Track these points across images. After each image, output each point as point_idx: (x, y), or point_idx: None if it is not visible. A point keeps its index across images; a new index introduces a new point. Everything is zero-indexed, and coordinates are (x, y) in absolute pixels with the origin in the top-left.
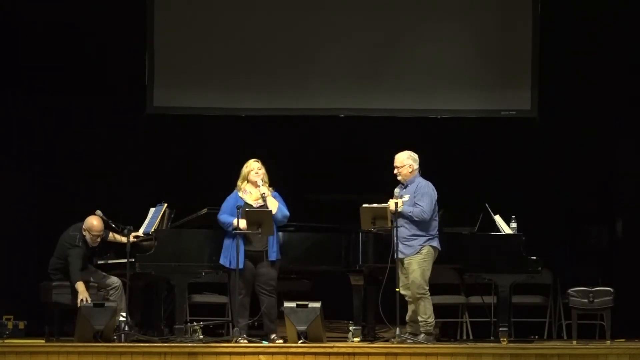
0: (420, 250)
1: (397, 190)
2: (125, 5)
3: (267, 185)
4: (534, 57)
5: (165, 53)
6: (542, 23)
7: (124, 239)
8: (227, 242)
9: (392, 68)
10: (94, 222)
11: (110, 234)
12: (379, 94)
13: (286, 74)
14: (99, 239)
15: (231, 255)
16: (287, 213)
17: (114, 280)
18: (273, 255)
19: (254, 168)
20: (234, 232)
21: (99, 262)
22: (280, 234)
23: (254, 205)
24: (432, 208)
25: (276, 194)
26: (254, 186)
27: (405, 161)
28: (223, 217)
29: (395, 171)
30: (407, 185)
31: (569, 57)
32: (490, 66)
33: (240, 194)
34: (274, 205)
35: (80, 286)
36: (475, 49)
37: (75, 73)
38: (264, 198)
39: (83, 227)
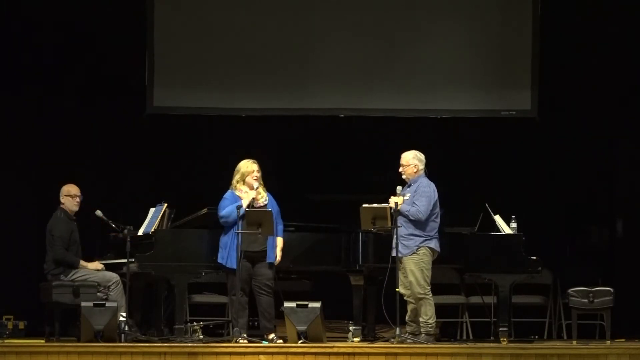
0: (417, 251)
1: (399, 188)
2: (125, 5)
3: (262, 186)
4: (534, 57)
5: (165, 53)
6: (542, 23)
7: None
8: (223, 240)
9: (392, 68)
10: (65, 187)
11: None
12: (379, 94)
13: (286, 74)
14: (78, 199)
15: (228, 255)
16: (282, 226)
17: (113, 276)
18: (272, 257)
19: (253, 170)
20: (235, 232)
21: (100, 263)
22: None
23: (254, 206)
24: (428, 209)
25: (270, 196)
26: (249, 188)
27: (411, 161)
28: (225, 211)
29: (401, 169)
30: (410, 185)
31: (569, 57)
32: (490, 66)
33: (237, 193)
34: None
35: (84, 264)
36: (475, 49)
37: (75, 73)
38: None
39: (61, 199)
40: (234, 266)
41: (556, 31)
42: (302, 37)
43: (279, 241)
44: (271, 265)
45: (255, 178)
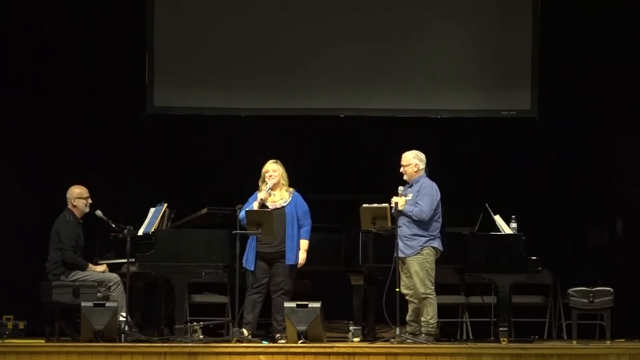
0: (420, 251)
1: (401, 188)
2: (126, 5)
3: (286, 185)
4: (534, 57)
5: (165, 53)
6: (542, 23)
7: None
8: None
9: (392, 68)
10: (76, 190)
11: None
12: (379, 94)
13: (286, 74)
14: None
15: (246, 256)
16: (309, 227)
17: (113, 276)
18: (291, 258)
19: (269, 170)
20: (232, 232)
21: (99, 263)
22: None
23: (270, 207)
24: (431, 209)
25: (297, 195)
26: (271, 188)
27: (411, 160)
28: (240, 214)
29: (401, 170)
30: (412, 185)
31: (569, 57)
32: (490, 66)
33: (259, 194)
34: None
35: (92, 267)
36: (475, 49)
37: (75, 73)
38: (263, 205)
39: (72, 201)
40: (248, 266)
41: (556, 31)
42: (303, 37)
43: (302, 243)
44: (288, 267)
45: (269, 177)
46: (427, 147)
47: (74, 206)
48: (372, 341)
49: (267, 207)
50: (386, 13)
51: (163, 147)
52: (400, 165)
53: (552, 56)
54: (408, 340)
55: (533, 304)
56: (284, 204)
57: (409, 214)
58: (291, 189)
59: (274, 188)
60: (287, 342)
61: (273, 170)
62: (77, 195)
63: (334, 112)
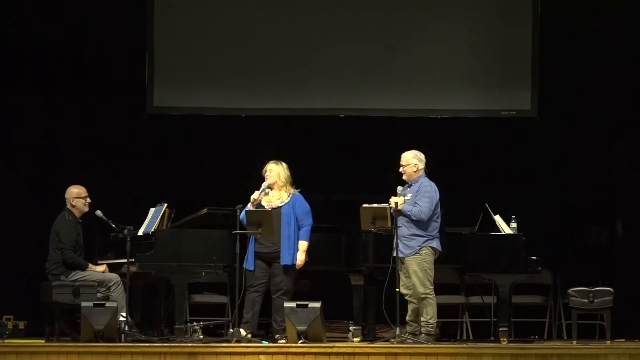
0: (419, 251)
1: (399, 188)
2: (125, 5)
3: (286, 186)
4: (534, 57)
5: (165, 53)
6: (542, 23)
7: None
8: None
9: (392, 68)
10: (74, 190)
11: None
12: (379, 94)
13: (286, 74)
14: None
15: (247, 256)
16: (308, 228)
17: (113, 276)
18: (287, 259)
19: (266, 170)
20: (232, 232)
21: (99, 263)
22: None
23: (266, 207)
24: (431, 209)
25: (298, 196)
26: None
27: (411, 160)
28: (241, 214)
29: (401, 169)
30: (411, 185)
31: (569, 57)
32: (490, 66)
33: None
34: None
35: (92, 267)
36: (475, 49)
37: (75, 73)
38: (256, 204)
39: (70, 201)
40: (247, 266)
41: (556, 31)
42: (302, 37)
43: (301, 244)
44: (285, 267)
45: (266, 178)
46: (427, 147)
47: (73, 206)
48: (372, 341)
49: (262, 207)
50: (386, 13)
51: (163, 147)
52: (399, 165)
53: (552, 56)
54: (408, 340)
55: (533, 304)
56: (280, 204)
57: (408, 213)
58: (292, 190)
59: (272, 188)
60: (287, 342)
61: (270, 170)
62: (76, 195)
63: (334, 112)
